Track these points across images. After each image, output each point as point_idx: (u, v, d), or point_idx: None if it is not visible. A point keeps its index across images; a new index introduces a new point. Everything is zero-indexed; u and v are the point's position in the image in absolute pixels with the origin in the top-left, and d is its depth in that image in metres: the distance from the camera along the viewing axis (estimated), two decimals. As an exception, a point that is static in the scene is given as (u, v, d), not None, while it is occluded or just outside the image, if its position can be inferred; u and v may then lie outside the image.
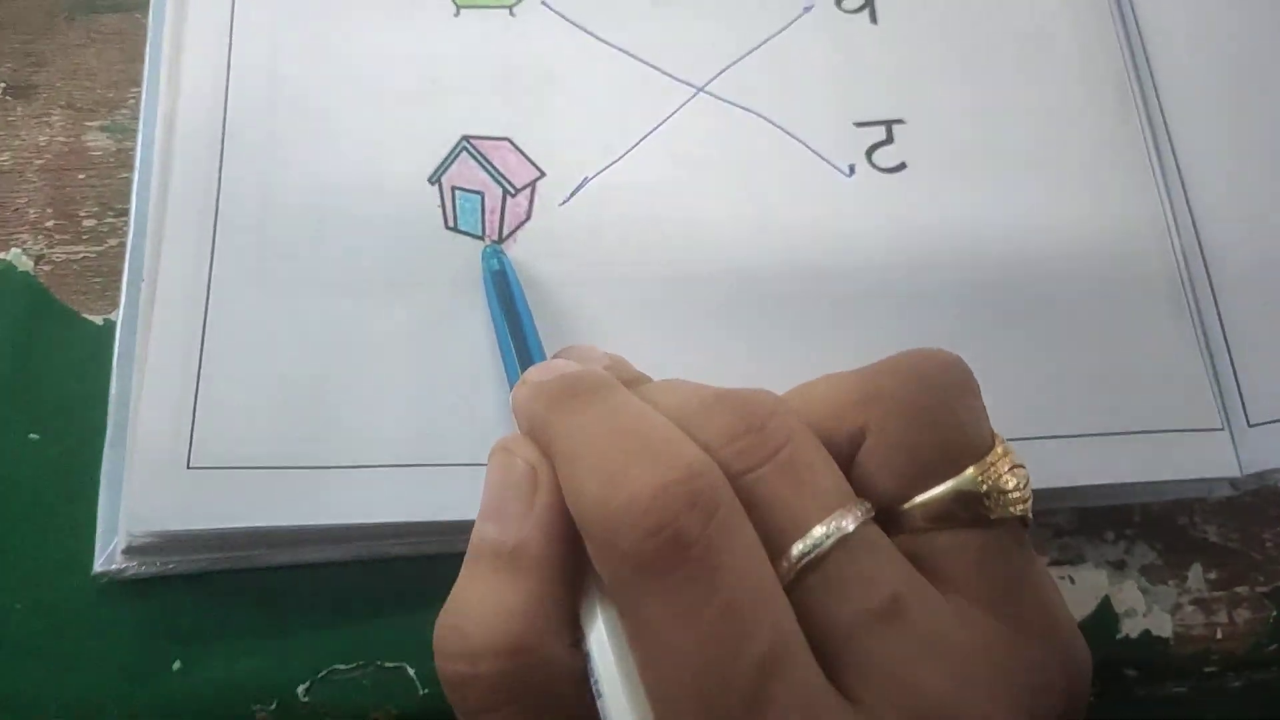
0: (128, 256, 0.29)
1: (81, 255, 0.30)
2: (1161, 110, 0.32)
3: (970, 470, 0.19)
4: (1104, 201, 0.30)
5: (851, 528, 0.18)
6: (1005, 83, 0.32)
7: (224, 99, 0.30)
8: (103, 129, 0.31)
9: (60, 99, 0.31)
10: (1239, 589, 0.29)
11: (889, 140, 0.31)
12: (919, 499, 0.19)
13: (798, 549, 0.18)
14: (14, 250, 0.30)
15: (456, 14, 0.32)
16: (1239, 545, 0.29)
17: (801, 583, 0.18)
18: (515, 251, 0.29)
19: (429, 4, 0.32)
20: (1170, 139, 0.31)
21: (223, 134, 0.30)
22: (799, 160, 0.31)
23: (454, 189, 0.30)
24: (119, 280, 0.29)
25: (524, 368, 0.26)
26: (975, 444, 0.20)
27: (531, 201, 0.30)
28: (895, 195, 0.30)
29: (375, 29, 0.31)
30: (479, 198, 0.30)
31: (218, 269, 0.28)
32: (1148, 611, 0.28)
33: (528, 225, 0.30)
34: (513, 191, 0.30)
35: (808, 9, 0.32)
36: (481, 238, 0.29)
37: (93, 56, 0.32)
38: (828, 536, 0.18)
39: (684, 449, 0.18)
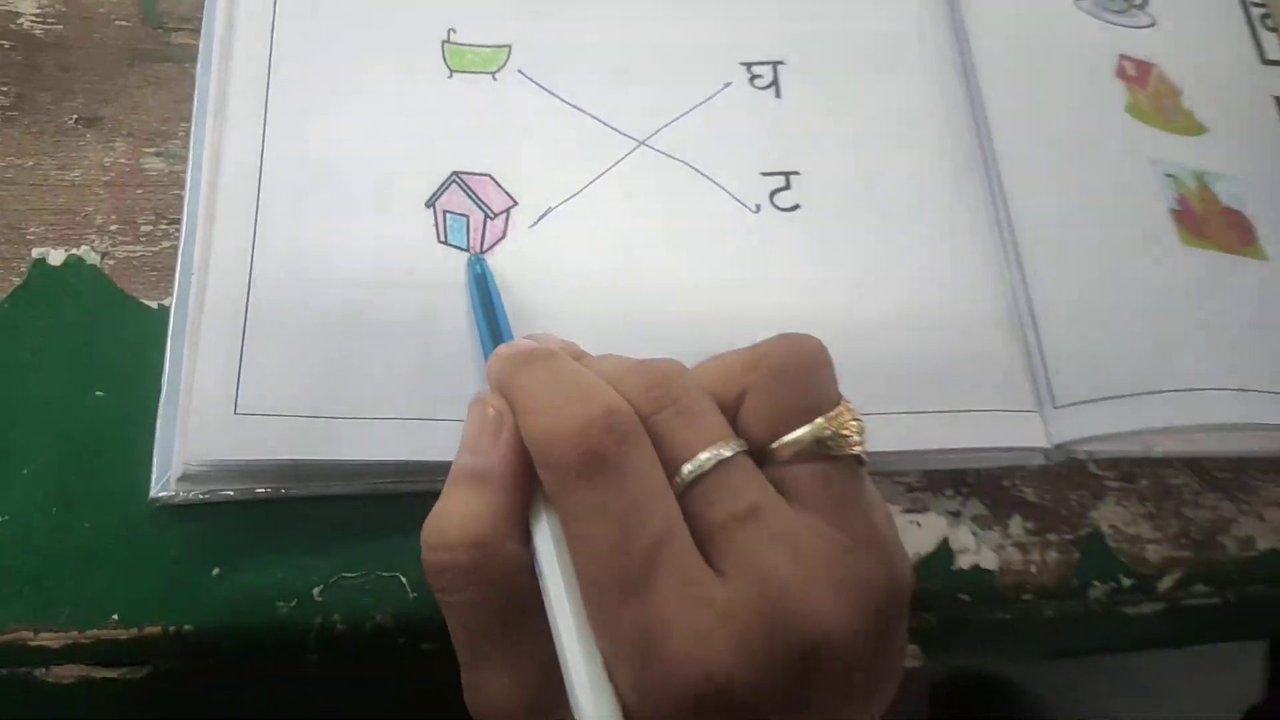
0: (180, 255, 0.36)
1: (140, 254, 0.37)
2: (1000, 177, 0.41)
3: (821, 420, 0.25)
4: (953, 243, 0.39)
5: (728, 454, 0.24)
6: (880, 149, 0.41)
7: (261, 137, 0.38)
8: (157, 154, 0.38)
9: (123, 129, 0.39)
10: (1050, 536, 0.37)
11: (787, 187, 0.39)
12: (783, 439, 0.25)
13: (687, 469, 0.24)
14: (84, 247, 0.36)
15: (450, 76, 0.40)
16: (1050, 504, 0.38)
17: (688, 493, 0.24)
18: (493, 261, 0.37)
19: (428, 70, 0.40)
20: (1005, 198, 0.40)
21: (260, 163, 0.37)
22: (717, 200, 0.39)
23: (445, 212, 0.38)
24: (171, 274, 0.36)
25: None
26: (826, 401, 0.26)
27: (507, 224, 0.38)
28: (791, 229, 0.39)
29: (386, 87, 0.39)
30: (465, 219, 0.38)
31: (257, 264, 0.35)
32: (978, 550, 0.36)
33: (504, 242, 0.38)
34: (492, 215, 0.38)
35: (727, 84, 0.41)
36: (467, 250, 0.37)
37: (149, 96, 0.39)
38: (709, 460, 0.24)
39: (607, 395, 0.25)
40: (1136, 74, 0.44)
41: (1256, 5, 0.48)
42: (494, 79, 0.40)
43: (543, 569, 0.25)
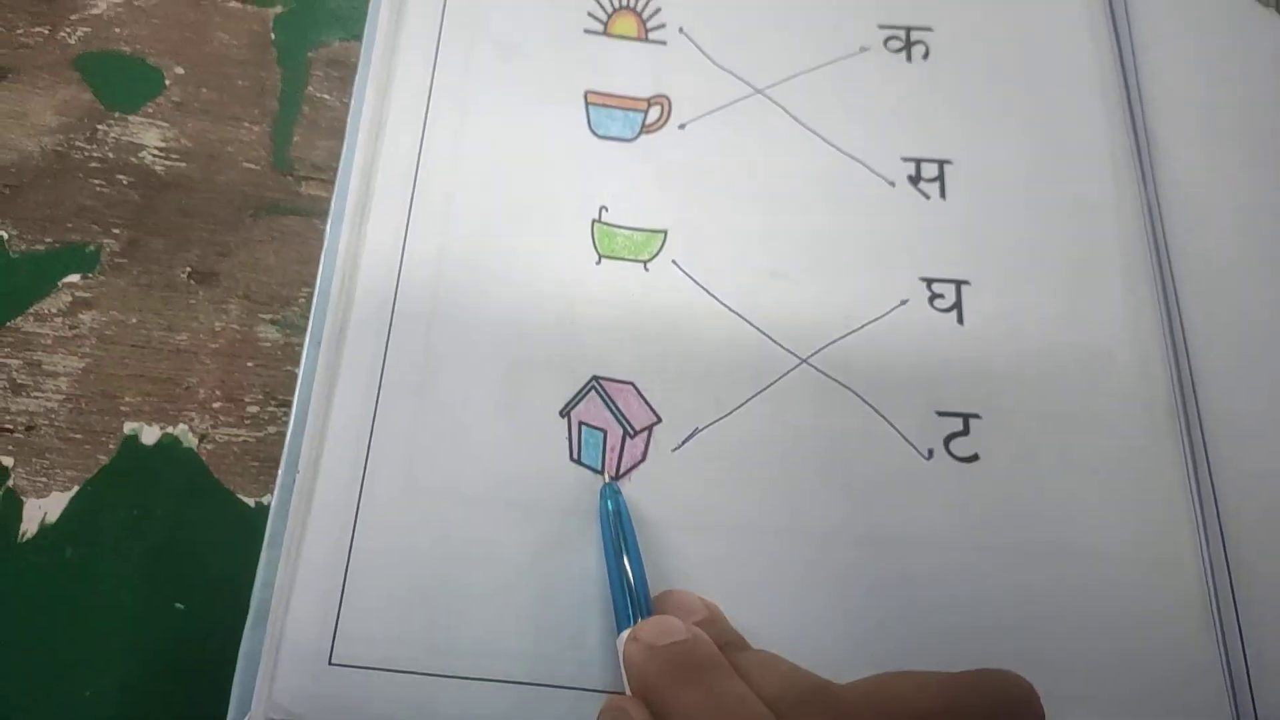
0: (286, 447, 0.32)
1: (242, 439, 0.33)
2: (1202, 433, 0.36)
3: None
4: (1145, 517, 0.34)
5: None
6: (1071, 391, 0.36)
7: (390, 316, 0.34)
8: (273, 322, 0.35)
9: (239, 289, 0.35)
10: None
11: (965, 432, 0.35)
12: None
13: None
14: (181, 426, 0.33)
15: (598, 262, 0.36)
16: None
17: None
18: (629, 490, 0.33)
19: (575, 251, 0.36)
20: (1209, 465, 0.35)
21: (386, 348, 0.33)
22: (884, 439, 0.34)
23: (581, 424, 0.34)
24: (274, 466, 0.32)
25: (631, 606, 0.29)
26: None
27: (648, 444, 0.34)
28: (967, 483, 0.34)
29: (525, 269, 0.36)
30: (602, 435, 0.34)
31: (370, 472, 0.31)
32: None
33: (642, 466, 0.33)
34: (632, 433, 0.34)
35: (904, 301, 0.37)
36: (600, 473, 0.33)
37: (271, 253, 0.36)
38: None
39: None
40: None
41: None
42: (645, 269, 0.36)
43: None
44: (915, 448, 0.35)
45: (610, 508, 0.32)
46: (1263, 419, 0.36)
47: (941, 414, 0.35)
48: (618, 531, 0.31)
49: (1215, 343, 0.38)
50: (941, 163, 0.39)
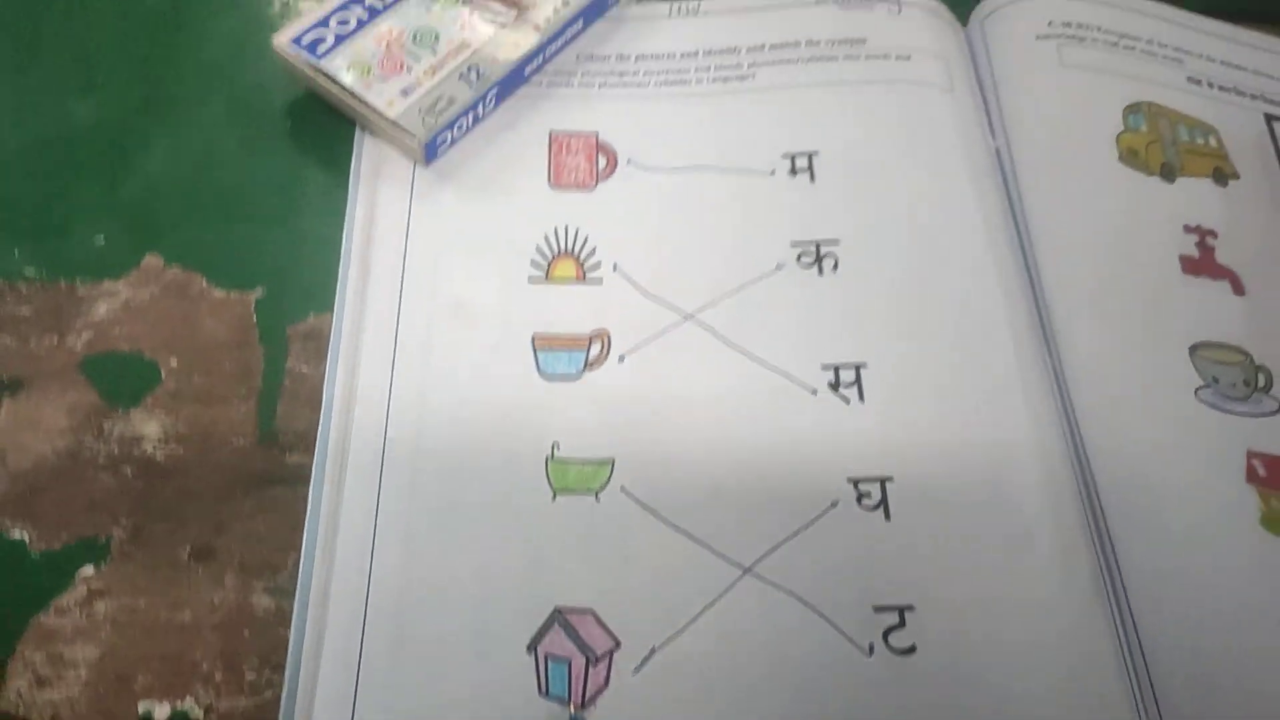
0: (280, 713, 0.35)
1: (243, 707, 0.36)
2: (1129, 602, 0.38)
3: None
4: (1081, 698, 0.36)
5: None
6: (996, 575, 0.39)
7: (368, 576, 0.38)
8: (266, 590, 0.39)
9: (234, 562, 0.39)
10: None
11: (902, 624, 0.38)
12: None
13: None
14: (188, 700, 0.36)
15: (553, 499, 0.40)
16: None
17: None
18: (594, 718, 0.36)
19: (532, 490, 0.40)
20: (1140, 640, 0.38)
21: (365, 606, 0.37)
22: (827, 640, 0.37)
23: (548, 656, 0.37)
24: (272, 732, 0.35)
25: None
26: None
27: (609, 669, 0.37)
28: (907, 675, 0.37)
29: (488, 514, 0.39)
30: (567, 665, 0.37)
31: (357, 732, 0.35)
32: None
33: (606, 693, 0.36)
34: (594, 660, 0.37)
35: (834, 504, 0.40)
36: (568, 705, 0.36)
37: (262, 524, 0.40)
38: None
39: None
40: (1268, 474, 0.42)
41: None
42: (597, 500, 0.40)
43: None
44: (856, 644, 0.37)
45: (576, 740, 0.35)
46: (1187, 586, 0.39)
47: (879, 609, 0.38)
48: (586, 763, 0.34)
49: (1133, 518, 0.40)
50: (858, 367, 0.43)
